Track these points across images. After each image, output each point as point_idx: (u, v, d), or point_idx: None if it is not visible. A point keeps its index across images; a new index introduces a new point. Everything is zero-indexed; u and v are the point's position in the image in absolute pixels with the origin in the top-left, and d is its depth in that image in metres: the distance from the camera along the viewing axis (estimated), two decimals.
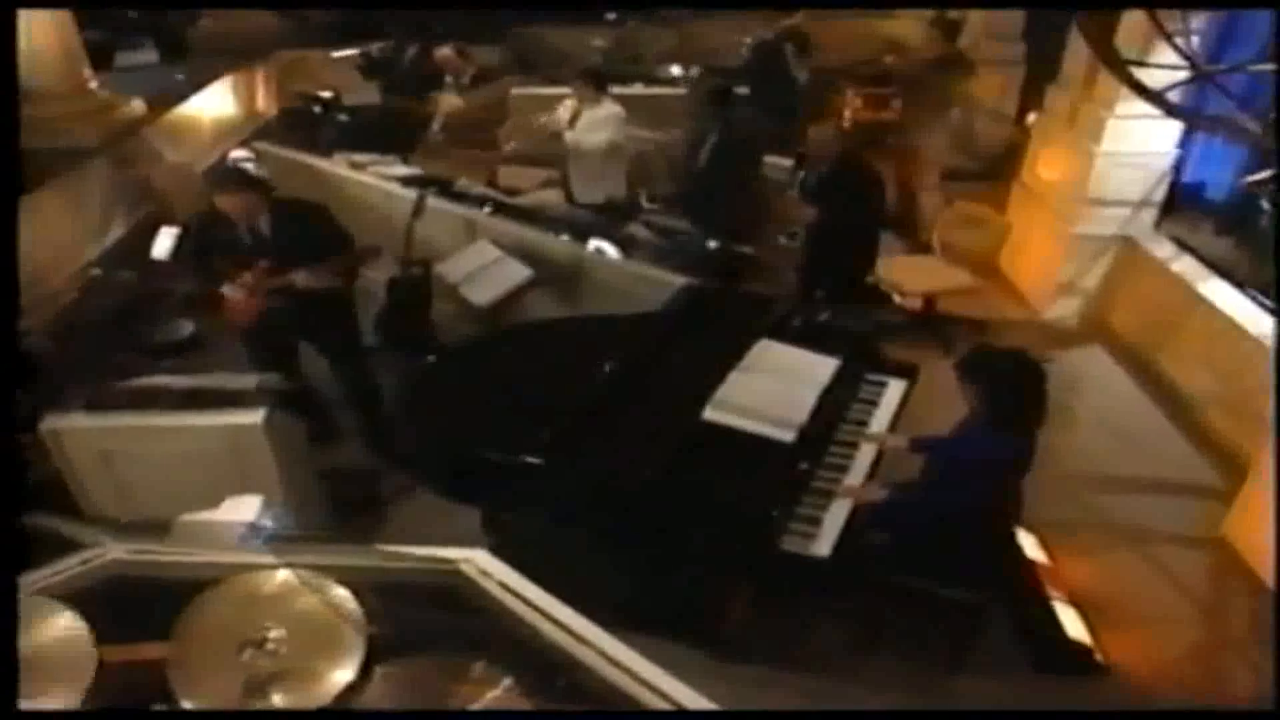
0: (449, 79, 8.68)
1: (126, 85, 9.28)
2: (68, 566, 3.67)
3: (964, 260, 6.75)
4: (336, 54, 10.20)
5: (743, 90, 8.97)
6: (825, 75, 8.75)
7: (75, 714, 2.72)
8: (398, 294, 6.56)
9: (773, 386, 4.54)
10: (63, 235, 7.07)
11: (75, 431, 4.63)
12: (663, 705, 3.08)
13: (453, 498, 4.54)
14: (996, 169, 8.03)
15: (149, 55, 12.00)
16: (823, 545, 3.92)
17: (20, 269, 6.47)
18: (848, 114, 9.17)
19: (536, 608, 3.41)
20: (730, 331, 5.00)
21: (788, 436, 4.27)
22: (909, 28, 10.32)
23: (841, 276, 6.26)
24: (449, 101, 8.54)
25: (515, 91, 9.27)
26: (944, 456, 4.19)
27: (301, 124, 9.98)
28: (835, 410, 4.64)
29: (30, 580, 3.53)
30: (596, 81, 7.50)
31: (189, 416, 4.59)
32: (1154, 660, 4.24)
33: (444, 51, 8.60)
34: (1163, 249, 6.47)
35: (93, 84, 8.15)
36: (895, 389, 4.91)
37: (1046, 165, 7.12)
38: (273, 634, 3.03)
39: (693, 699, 3.10)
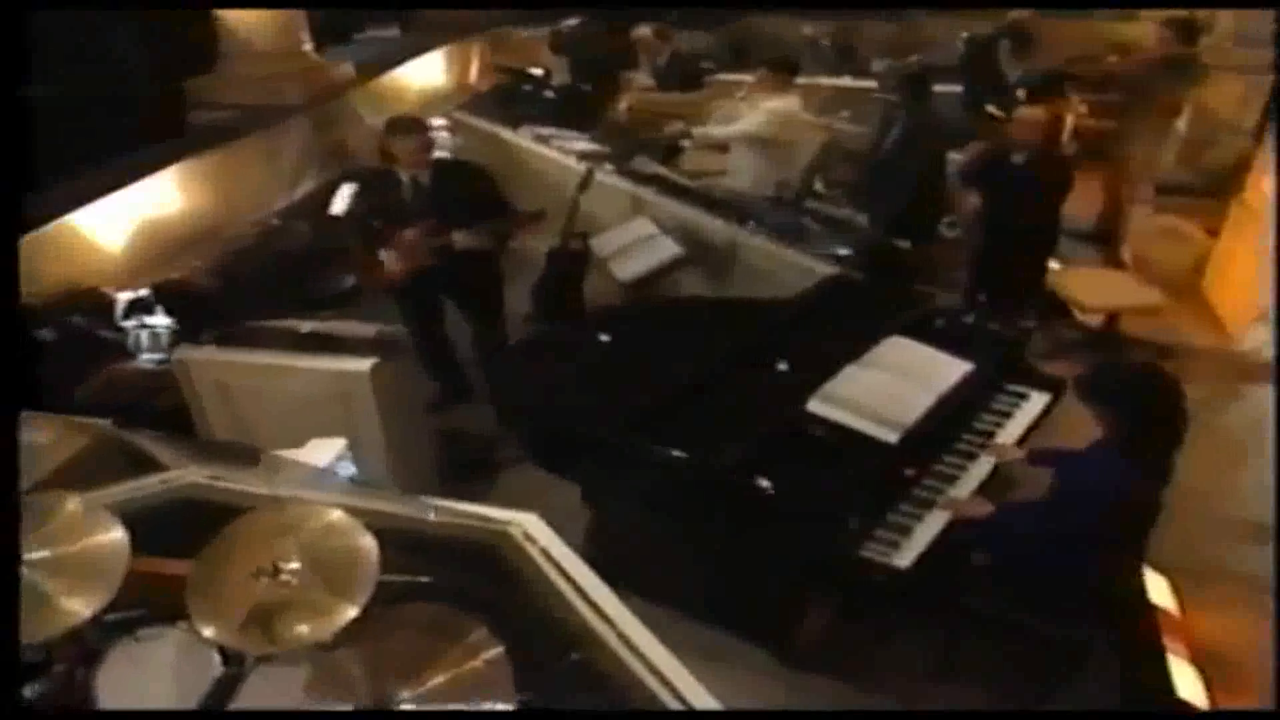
0: (644, 59, 8.61)
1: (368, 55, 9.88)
2: (148, 485, 3.81)
3: (1157, 278, 6.10)
4: (525, 33, 10.34)
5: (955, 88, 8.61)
6: (1042, 75, 8.12)
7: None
8: (556, 265, 6.57)
9: (889, 384, 4.22)
10: (252, 185, 7.46)
11: (201, 362, 4.82)
12: (668, 697, 2.89)
13: (552, 469, 4.47)
14: (1220, 186, 7.23)
15: (392, 31, 12.67)
16: (905, 557, 3.61)
17: (206, 213, 6.96)
18: (1069, 119, 8.51)
19: (570, 579, 3.28)
20: (868, 325, 4.69)
21: (891, 437, 3.96)
22: (1142, 29, 9.50)
23: (1010, 279, 5.77)
24: (639, 83, 8.48)
25: (711, 77, 9.16)
26: (1063, 477, 3.76)
27: (509, 99, 10.19)
28: (959, 417, 4.28)
29: (110, 493, 3.67)
30: (784, 70, 7.27)
31: (302, 359, 4.69)
32: None
33: (642, 31, 8.54)
34: None
35: (306, 46, 8.54)
36: (1036, 403, 4.49)
37: (1270, 180, 6.35)
38: (289, 566, 3.01)
39: (702, 697, 2.89)
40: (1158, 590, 4.10)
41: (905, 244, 5.97)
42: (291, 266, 6.66)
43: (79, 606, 2.92)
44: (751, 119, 7.05)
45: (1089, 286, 6.16)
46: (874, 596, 3.74)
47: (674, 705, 2.91)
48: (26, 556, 2.98)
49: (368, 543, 3.12)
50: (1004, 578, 3.75)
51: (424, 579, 3.33)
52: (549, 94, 10.00)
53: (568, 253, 6.54)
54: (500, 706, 2.62)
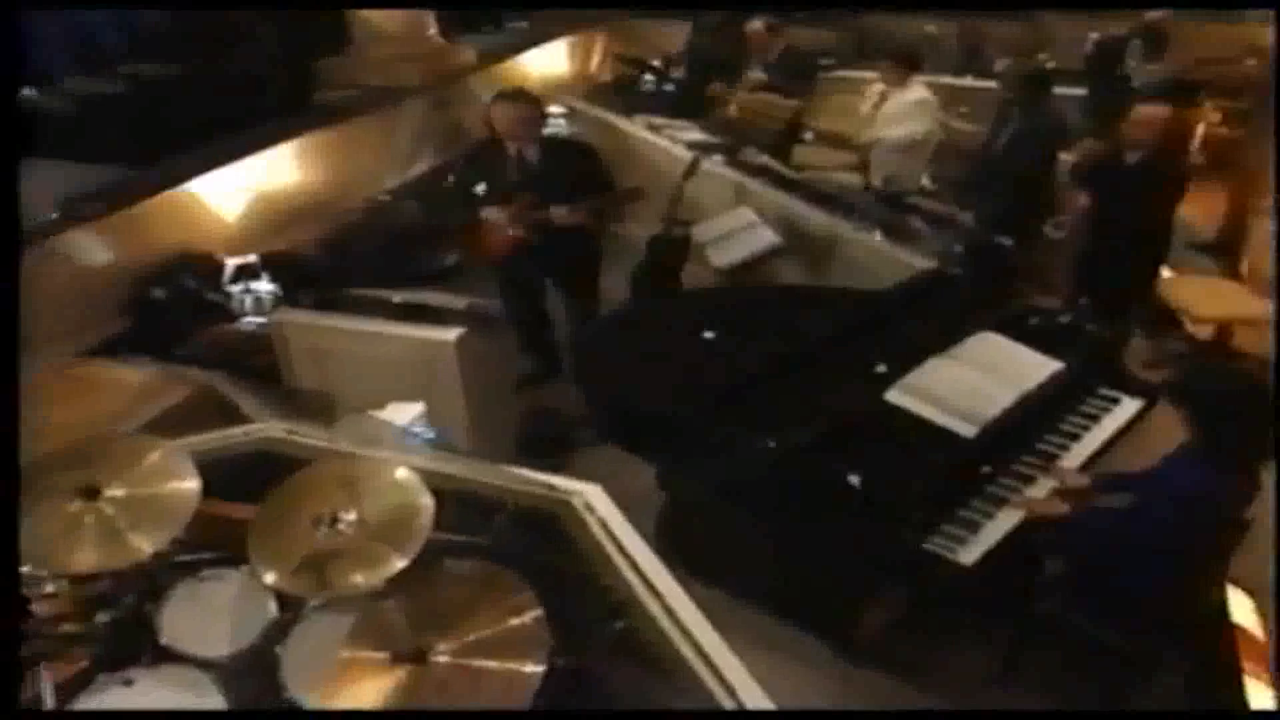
0: (755, 54, 8.53)
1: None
2: (232, 435, 3.96)
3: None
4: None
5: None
6: (1161, 80, 7.79)
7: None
8: (656, 252, 6.58)
9: (972, 378, 4.11)
10: (366, 163, 7.65)
11: (298, 325, 4.99)
12: (709, 678, 2.88)
13: (629, 447, 4.47)
14: None
15: (523, 22, 12.86)
16: (970, 553, 3.50)
17: (321, 188, 7.17)
18: (1199, 129, 8.15)
19: (624, 550, 3.29)
20: (962, 320, 4.58)
21: (969, 431, 3.85)
22: None
23: (1116, 283, 5.55)
24: (750, 79, 8.42)
25: (830, 73, 9.08)
26: (1143, 486, 3.60)
27: (629, 91, 10.27)
28: (1044, 417, 4.14)
29: (198, 440, 3.81)
30: (906, 64, 7.19)
31: (392, 326, 4.81)
32: None
33: (754, 26, 8.44)
34: None
35: (431, 31, 8.73)
36: (1127, 408, 4.31)
37: None
38: (347, 516, 3.10)
39: (743, 678, 2.86)
40: (1241, 610, 3.89)
41: (1008, 241, 5.81)
42: (397, 242, 6.80)
43: (146, 543, 3.06)
44: (914, 117, 7.04)
45: (1200, 295, 5.90)
46: (936, 592, 3.65)
47: (713, 684, 2.89)
48: (107, 493, 3.13)
49: (426, 501, 3.19)
50: (1077, 584, 3.62)
51: (481, 540, 3.40)
52: (668, 86, 10.05)
53: (669, 240, 6.54)
54: (530, 668, 2.64)
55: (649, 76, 10.38)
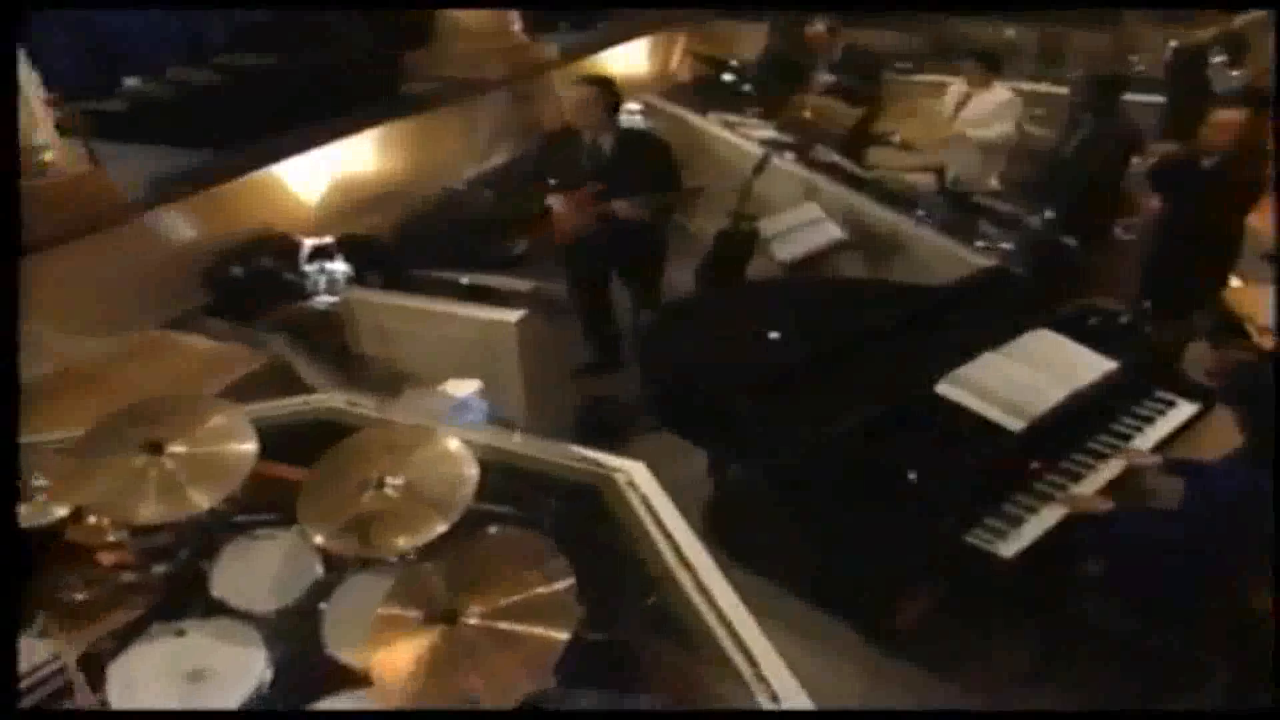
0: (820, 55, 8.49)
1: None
2: (293, 404, 4.11)
3: None
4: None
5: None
6: (1253, 88, 7.56)
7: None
8: (723, 246, 6.62)
9: (1022, 374, 4.10)
10: (445, 152, 7.83)
11: (367, 304, 5.15)
12: (739, 657, 2.91)
13: (683, 433, 4.53)
14: None
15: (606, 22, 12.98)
16: (1009, 546, 3.50)
17: (400, 175, 7.35)
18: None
19: (662, 526, 3.34)
20: (1020, 318, 4.56)
21: (1016, 425, 3.84)
22: None
23: (1182, 287, 5.45)
24: (816, 81, 8.39)
25: (893, 77, 9.07)
26: (1195, 486, 3.55)
27: (707, 90, 10.31)
28: (1096, 416, 4.11)
29: (260, 408, 3.96)
30: (989, 66, 7.15)
31: (457, 306, 4.94)
32: None
33: (815, 28, 8.36)
34: None
35: (515, 26, 8.88)
36: (1181, 412, 4.26)
37: None
38: (393, 481, 3.20)
39: (772, 660, 2.89)
40: None
41: (1072, 242, 5.74)
42: (469, 230, 6.94)
43: (204, 498, 3.20)
44: (1001, 117, 7.06)
45: (1266, 304, 5.72)
46: (972, 584, 3.64)
47: (742, 663, 2.92)
48: (170, 449, 3.27)
49: (470, 470, 3.28)
50: (1117, 585, 3.58)
51: (523, 511, 3.48)
52: (745, 86, 10.07)
53: (737, 234, 6.58)
54: (558, 634, 2.71)
55: (726, 76, 10.43)
